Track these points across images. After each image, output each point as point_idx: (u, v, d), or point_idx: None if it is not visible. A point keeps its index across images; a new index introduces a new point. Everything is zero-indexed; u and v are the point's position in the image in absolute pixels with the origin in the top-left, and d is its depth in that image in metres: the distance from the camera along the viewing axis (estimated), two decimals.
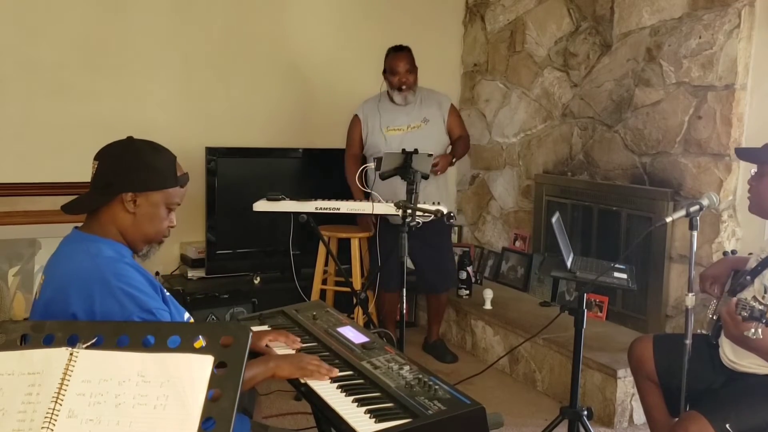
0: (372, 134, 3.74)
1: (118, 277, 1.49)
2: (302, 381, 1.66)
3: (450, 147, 3.86)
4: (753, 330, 1.62)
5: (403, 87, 3.66)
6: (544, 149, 4.24)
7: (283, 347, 1.89)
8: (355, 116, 3.81)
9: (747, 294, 2.05)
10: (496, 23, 4.60)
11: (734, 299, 1.71)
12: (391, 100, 3.74)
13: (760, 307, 1.61)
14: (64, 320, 1.45)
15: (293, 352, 1.87)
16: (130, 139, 1.67)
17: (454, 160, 3.79)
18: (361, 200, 3.46)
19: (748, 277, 2.10)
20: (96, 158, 1.62)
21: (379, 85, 3.83)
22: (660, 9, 3.40)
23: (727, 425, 1.89)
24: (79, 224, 1.66)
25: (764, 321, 1.61)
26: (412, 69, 3.68)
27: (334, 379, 1.68)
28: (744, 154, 2.33)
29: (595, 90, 3.81)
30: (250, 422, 1.79)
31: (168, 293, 1.67)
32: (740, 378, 2.10)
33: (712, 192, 2.23)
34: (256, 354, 1.89)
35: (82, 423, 1.14)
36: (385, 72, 3.73)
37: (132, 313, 1.47)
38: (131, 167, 1.59)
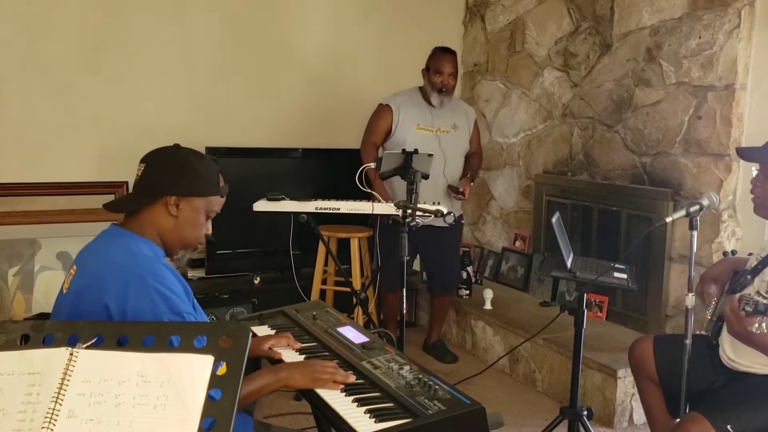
0: (402, 127, 3.69)
1: (154, 276, 1.51)
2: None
3: (465, 166, 3.88)
4: (757, 325, 1.61)
5: (443, 89, 3.65)
6: (544, 149, 4.24)
7: (284, 348, 1.89)
8: (386, 106, 3.72)
9: (747, 292, 2.05)
10: (496, 23, 4.60)
11: (737, 295, 1.71)
12: (425, 98, 3.72)
13: (765, 301, 1.61)
14: (94, 311, 1.47)
15: (297, 354, 1.86)
16: (176, 146, 1.71)
17: (472, 183, 3.85)
18: (380, 189, 3.46)
19: (749, 276, 2.09)
20: (142, 161, 1.67)
21: (380, 85, 3.83)
22: (660, 9, 3.40)
23: (728, 426, 1.89)
24: (117, 221, 1.69)
25: None
26: (455, 74, 3.69)
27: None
28: (746, 153, 2.30)
29: (595, 90, 3.81)
30: (253, 421, 1.79)
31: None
32: (741, 378, 2.10)
33: (712, 192, 2.22)
34: (257, 359, 1.88)
35: (82, 423, 1.14)
36: (428, 70, 3.70)
37: (163, 313, 1.48)
38: (178, 172, 1.64)
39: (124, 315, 1.47)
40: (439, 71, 3.64)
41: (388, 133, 3.72)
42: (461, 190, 3.65)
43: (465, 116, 3.85)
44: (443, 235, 3.60)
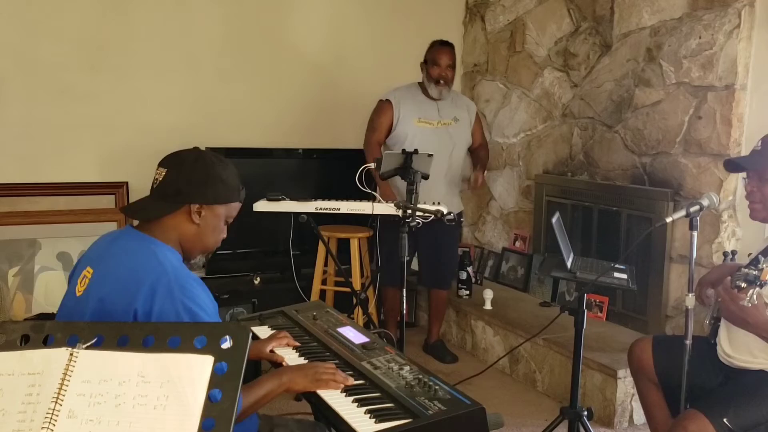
0: (403, 122, 3.71)
1: (182, 290, 1.48)
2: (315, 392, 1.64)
3: (471, 156, 3.95)
4: (748, 297, 1.62)
5: (442, 81, 3.67)
6: (544, 149, 4.24)
7: (285, 349, 1.89)
8: (387, 101, 3.74)
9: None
10: (496, 23, 4.60)
11: (729, 276, 1.73)
12: (424, 92, 3.74)
13: (754, 272, 1.63)
14: (121, 316, 1.45)
15: (298, 357, 1.86)
16: (197, 149, 1.69)
17: (485, 172, 3.88)
18: (384, 188, 3.54)
19: (744, 269, 2.10)
20: (163, 165, 1.63)
21: (380, 85, 3.83)
22: (660, 9, 3.40)
23: (725, 420, 1.91)
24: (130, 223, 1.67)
25: (758, 283, 1.62)
26: (453, 66, 3.72)
27: None
28: (733, 165, 2.23)
29: (595, 90, 3.81)
30: (257, 415, 1.79)
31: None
32: (737, 375, 2.12)
33: (712, 192, 2.22)
34: (257, 361, 1.88)
35: (82, 423, 1.14)
36: (426, 63, 3.74)
37: None
38: (202, 179, 1.61)
39: (148, 321, 1.45)
40: (436, 63, 3.67)
41: (390, 129, 3.74)
42: (473, 180, 3.73)
43: (466, 109, 3.87)
44: (442, 231, 3.60)
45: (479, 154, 3.92)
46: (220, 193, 1.63)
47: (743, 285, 1.64)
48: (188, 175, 1.61)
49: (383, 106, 3.76)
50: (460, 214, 3.96)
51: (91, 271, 1.57)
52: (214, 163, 1.65)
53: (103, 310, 1.48)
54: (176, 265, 1.55)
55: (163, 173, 1.62)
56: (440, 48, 3.71)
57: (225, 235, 1.71)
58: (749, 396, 2.00)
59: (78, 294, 1.56)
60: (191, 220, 1.61)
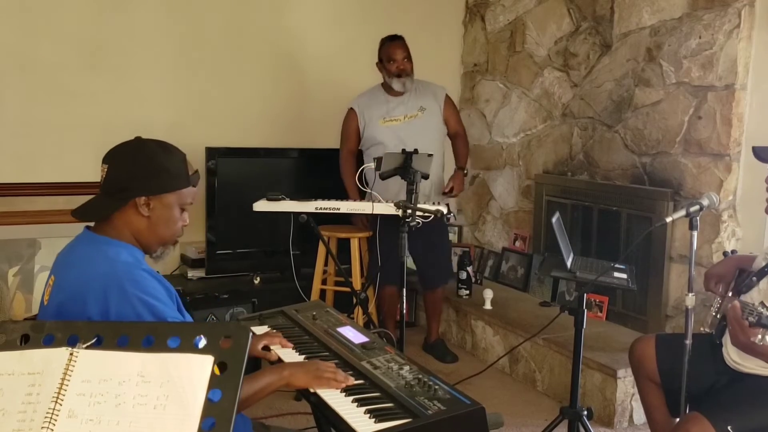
0: (369, 126, 3.73)
1: (134, 284, 1.48)
2: (312, 390, 1.63)
3: (453, 153, 3.89)
4: (760, 336, 1.61)
5: (402, 74, 3.66)
6: (544, 149, 4.24)
7: (277, 347, 1.89)
8: (351, 110, 3.79)
9: (753, 294, 2.04)
10: (496, 23, 4.60)
11: (739, 304, 1.69)
12: (387, 90, 3.74)
13: (767, 313, 1.60)
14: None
15: (297, 354, 1.86)
16: (138, 139, 1.65)
17: (465, 172, 3.83)
18: (356, 200, 3.47)
19: (755, 278, 2.08)
20: (105, 161, 1.61)
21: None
22: (660, 9, 3.40)
23: (729, 427, 1.88)
24: (89, 224, 1.65)
25: None
26: (409, 57, 3.70)
27: None
28: (765, 152, 2.17)
29: (595, 90, 3.81)
30: (252, 422, 1.79)
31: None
32: (743, 379, 2.08)
33: (712, 192, 2.21)
34: (257, 359, 1.88)
35: (82, 423, 1.14)
36: (380, 62, 3.73)
37: (146, 320, 1.46)
38: (143, 170, 1.57)
39: None
40: (392, 58, 3.66)
41: (359, 136, 3.78)
42: (450, 187, 3.67)
43: (433, 96, 3.80)
44: (429, 230, 3.53)
45: (458, 149, 3.86)
46: (164, 182, 1.59)
47: (755, 322, 1.62)
48: (130, 169, 1.58)
49: (349, 115, 3.81)
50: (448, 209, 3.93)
51: (53, 279, 1.58)
52: (156, 152, 1.60)
53: (60, 317, 1.48)
54: (128, 260, 1.54)
55: (106, 169, 1.59)
56: (391, 43, 3.69)
57: (186, 222, 1.67)
58: (755, 404, 1.97)
59: (45, 302, 1.57)
60: (140, 213, 1.58)
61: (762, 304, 1.63)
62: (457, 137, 3.88)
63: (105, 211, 1.59)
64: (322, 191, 3.33)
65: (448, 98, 3.86)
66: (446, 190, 3.70)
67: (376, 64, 3.76)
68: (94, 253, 1.54)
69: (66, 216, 3.69)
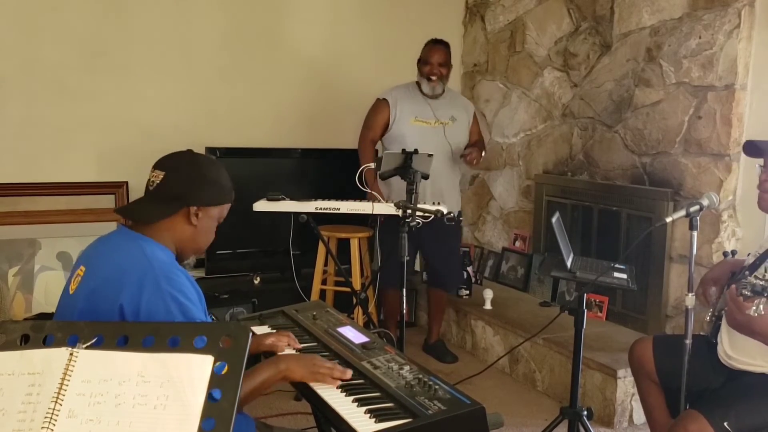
0: (399, 121, 3.71)
1: (169, 281, 1.51)
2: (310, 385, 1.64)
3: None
4: (755, 307, 1.61)
5: (433, 77, 3.68)
6: (544, 149, 4.24)
7: (285, 347, 1.89)
8: (384, 100, 3.76)
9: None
10: (496, 23, 4.60)
11: (733, 285, 1.71)
12: (421, 91, 3.75)
13: (762, 283, 1.61)
14: (108, 312, 1.47)
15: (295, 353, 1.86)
16: (191, 152, 1.72)
17: (483, 153, 3.86)
18: (373, 187, 3.52)
19: (746, 273, 2.09)
20: (159, 168, 1.65)
21: (380, 85, 3.83)
22: (660, 9, 3.40)
23: (726, 424, 1.89)
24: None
25: (766, 295, 1.60)
26: (445, 64, 3.73)
27: None
28: (754, 147, 2.19)
29: (595, 90, 3.81)
30: (255, 422, 1.79)
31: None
32: (738, 377, 2.11)
33: (712, 192, 2.21)
34: (257, 356, 1.88)
35: (82, 423, 1.14)
36: (419, 61, 3.77)
37: (175, 317, 1.48)
38: (199, 182, 1.64)
39: (137, 316, 1.47)
40: (427, 61, 3.70)
41: (386, 128, 3.74)
42: (469, 152, 3.71)
43: (464, 110, 3.87)
44: (444, 232, 3.61)
45: (478, 144, 3.91)
46: (215, 195, 1.67)
47: (750, 294, 1.63)
48: (186, 178, 1.64)
49: (380, 104, 3.76)
50: (459, 214, 3.96)
51: (83, 269, 1.60)
52: (209, 165, 1.69)
53: (90, 305, 1.51)
54: (164, 259, 1.57)
55: (161, 176, 1.63)
56: (432, 46, 3.74)
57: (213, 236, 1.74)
58: (751, 400, 1.99)
59: (71, 292, 1.60)
60: (189, 222, 1.64)
61: (755, 277, 1.64)
62: (478, 142, 3.93)
63: (157, 215, 1.63)
64: (323, 191, 3.33)
65: (476, 114, 3.97)
66: (465, 153, 3.74)
67: (417, 62, 3.79)
68: (132, 246, 1.58)
69: (66, 216, 3.74)
